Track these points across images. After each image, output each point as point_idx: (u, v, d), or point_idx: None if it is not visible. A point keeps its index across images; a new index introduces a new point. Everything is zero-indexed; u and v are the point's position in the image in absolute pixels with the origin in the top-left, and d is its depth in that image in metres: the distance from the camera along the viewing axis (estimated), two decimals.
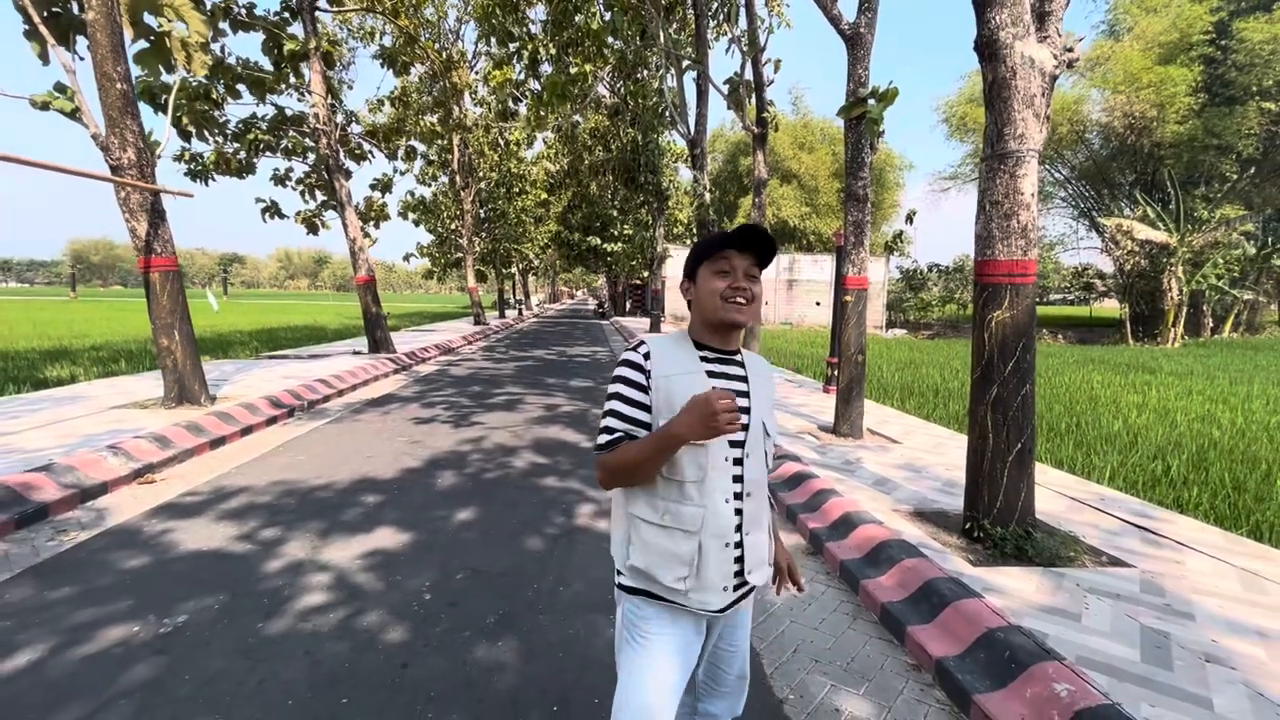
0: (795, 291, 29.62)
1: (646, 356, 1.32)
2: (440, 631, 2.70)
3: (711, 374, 1.34)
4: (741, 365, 1.40)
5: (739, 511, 1.33)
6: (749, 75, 9.91)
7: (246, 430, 6.14)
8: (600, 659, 2.52)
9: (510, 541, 3.69)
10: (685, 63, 11.29)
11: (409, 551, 3.51)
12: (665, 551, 1.30)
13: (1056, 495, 4.28)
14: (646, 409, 1.30)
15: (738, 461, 1.33)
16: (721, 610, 1.35)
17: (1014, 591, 2.85)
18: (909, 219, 10.08)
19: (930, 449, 5.55)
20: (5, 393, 7.25)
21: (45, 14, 6.10)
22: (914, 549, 3.21)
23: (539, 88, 13.71)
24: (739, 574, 1.35)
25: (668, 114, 14.53)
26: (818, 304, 29.23)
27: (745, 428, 1.34)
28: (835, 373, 6.40)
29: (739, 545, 1.33)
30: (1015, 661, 2.28)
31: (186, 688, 2.27)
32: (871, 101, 5.52)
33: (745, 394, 1.37)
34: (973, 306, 3.44)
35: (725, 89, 10.18)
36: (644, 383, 1.30)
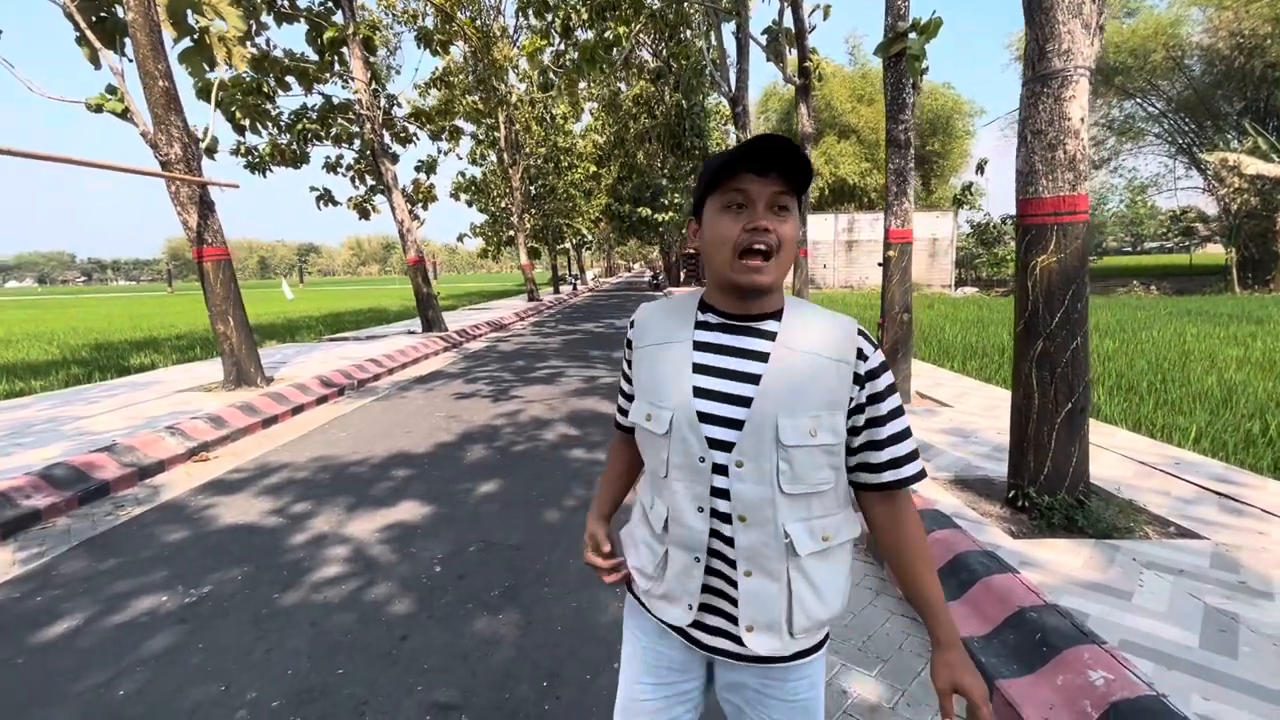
0: (855, 253, 28.33)
1: (632, 326, 1.12)
2: (444, 603, 2.70)
3: (702, 345, 1.00)
4: (770, 337, 0.97)
5: (720, 535, 0.98)
6: (789, 23, 9.33)
7: (297, 409, 6.42)
8: (599, 634, 2.45)
9: (528, 514, 3.67)
10: (723, 15, 10.76)
11: (427, 524, 3.55)
12: (642, 540, 1.10)
13: (1123, 459, 3.86)
14: (629, 388, 1.14)
15: (719, 469, 0.95)
16: (699, 645, 1.04)
17: (1057, 566, 2.57)
18: (979, 169, 9.34)
19: (982, 411, 5.15)
20: (93, 380, 7.89)
21: (92, 20, 6.40)
22: (946, 519, 2.95)
23: (576, 57, 13.46)
24: (724, 614, 1.01)
25: (709, 73, 13.98)
26: (879, 265, 27.89)
27: (738, 425, 0.94)
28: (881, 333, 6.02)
29: (723, 578, 1.00)
30: (1047, 644, 2.04)
31: (199, 656, 2.36)
32: (912, 35, 5.04)
33: (753, 378, 0.95)
34: (1015, 251, 3.08)
35: (764, 40, 9.64)
36: (628, 358, 1.13)
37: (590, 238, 41.30)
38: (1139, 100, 26.32)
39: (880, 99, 33.26)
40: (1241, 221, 20.39)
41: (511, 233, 26.18)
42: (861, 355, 0.95)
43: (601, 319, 17.36)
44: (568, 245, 35.28)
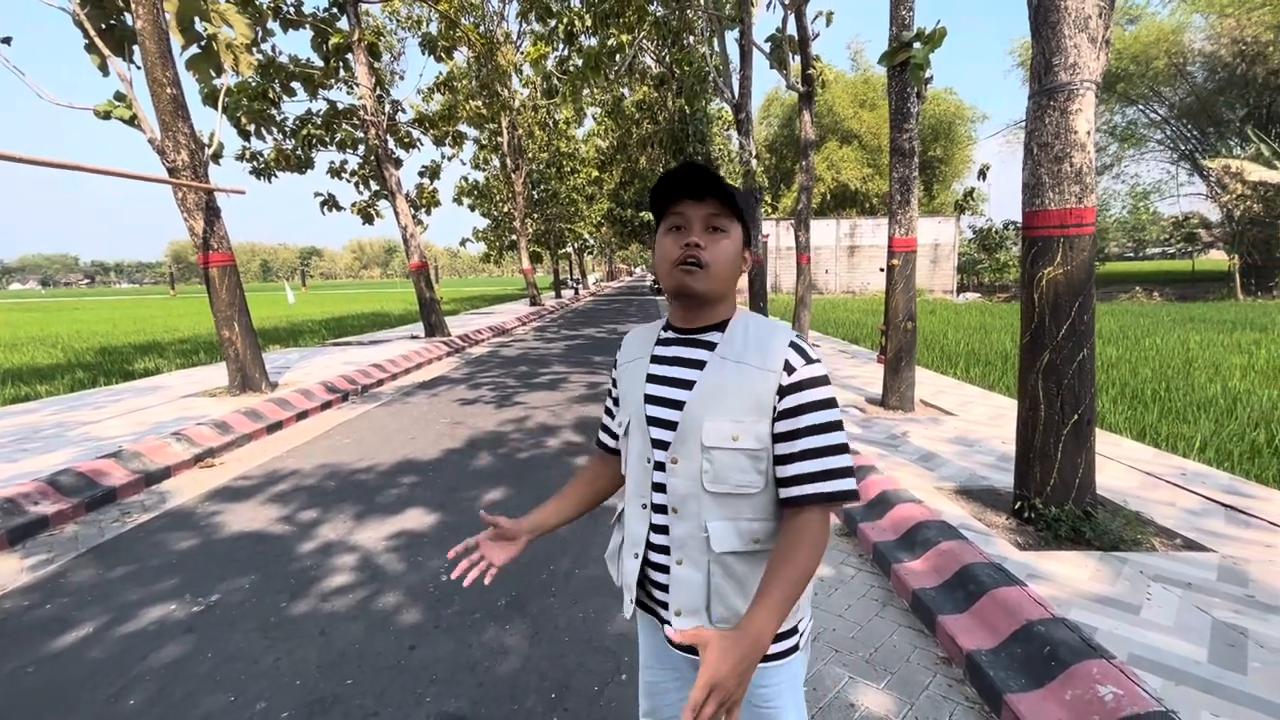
0: (857, 258, 28.38)
1: (619, 347, 1.24)
2: (451, 613, 2.71)
3: (657, 358, 1.11)
4: (712, 348, 1.05)
5: (658, 528, 1.08)
6: (792, 30, 9.36)
7: (302, 415, 6.43)
8: (606, 645, 2.45)
9: None
10: (726, 22, 10.80)
11: (434, 532, 3.56)
12: (614, 533, 1.26)
13: (1128, 470, 3.86)
14: (614, 404, 1.27)
15: (658, 466, 1.06)
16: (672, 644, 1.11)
17: (1064, 579, 2.57)
18: (982, 174, 9.33)
19: (988, 421, 5.15)
20: (97, 385, 7.91)
21: (102, 27, 6.44)
22: (953, 530, 2.96)
23: (579, 63, 13.52)
24: (663, 605, 1.10)
25: (711, 79, 14.04)
26: (881, 270, 27.90)
27: (672, 425, 1.04)
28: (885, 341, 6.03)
29: (658, 569, 1.09)
30: (1056, 659, 2.04)
31: (207, 665, 2.37)
32: (916, 45, 5.06)
33: (691, 385, 1.04)
34: (1020, 262, 3.09)
35: (768, 47, 9.67)
36: (613, 377, 1.26)
37: (592, 242, 41.39)
38: (1141, 106, 26.36)
39: (882, 104, 33.39)
40: (1244, 228, 20.41)
41: (514, 237, 26.25)
42: (788, 367, 0.99)
43: (603, 324, 17.38)
44: (569, 250, 35.36)
